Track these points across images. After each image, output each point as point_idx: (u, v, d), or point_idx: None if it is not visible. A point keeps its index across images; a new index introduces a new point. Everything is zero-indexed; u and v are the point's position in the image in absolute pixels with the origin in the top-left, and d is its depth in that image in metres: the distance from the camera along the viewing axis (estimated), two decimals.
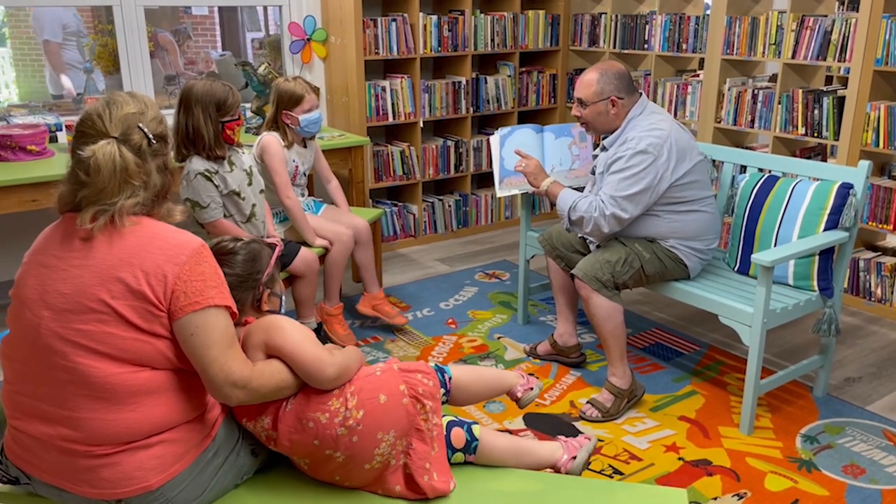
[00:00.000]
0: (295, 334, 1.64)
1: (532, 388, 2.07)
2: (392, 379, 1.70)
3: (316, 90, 3.11)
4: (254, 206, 2.78)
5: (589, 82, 2.69)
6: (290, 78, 3.11)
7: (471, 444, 1.80)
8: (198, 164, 2.60)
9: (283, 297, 1.87)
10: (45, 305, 1.48)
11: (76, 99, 4.92)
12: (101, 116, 1.51)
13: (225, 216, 2.70)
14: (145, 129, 1.53)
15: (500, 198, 3.17)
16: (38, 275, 1.51)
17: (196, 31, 7.52)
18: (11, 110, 3.92)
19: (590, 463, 2.35)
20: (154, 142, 1.54)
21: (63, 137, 3.49)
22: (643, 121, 2.64)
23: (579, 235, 2.95)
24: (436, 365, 1.88)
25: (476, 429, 1.82)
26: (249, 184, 2.76)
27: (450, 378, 1.88)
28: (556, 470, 1.93)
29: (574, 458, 1.94)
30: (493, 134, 3.14)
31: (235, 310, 1.56)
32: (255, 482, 1.72)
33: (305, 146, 3.21)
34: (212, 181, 2.62)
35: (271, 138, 3.03)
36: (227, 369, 1.49)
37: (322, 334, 3.16)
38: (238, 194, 2.70)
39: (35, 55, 7.42)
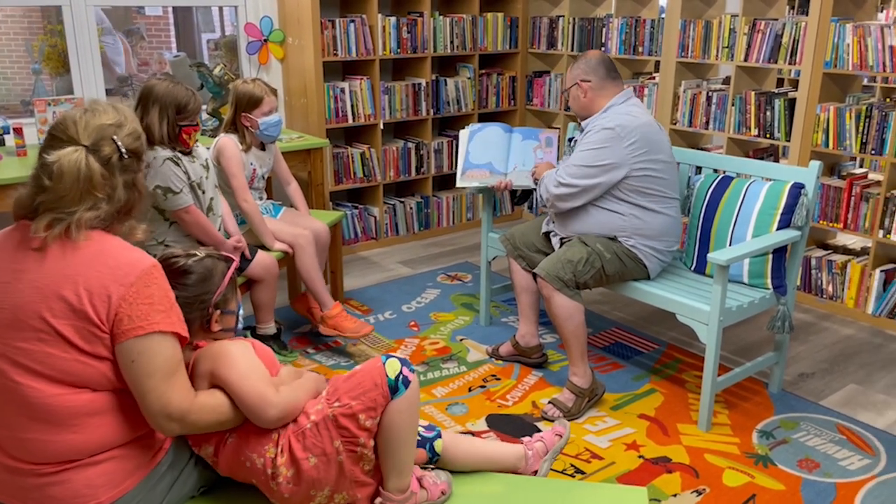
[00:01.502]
0: (241, 367, 1.56)
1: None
2: (325, 435, 1.57)
3: (274, 92, 3.07)
4: (212, 199, 2.75)
5: (569, 70, 2.83)
6: (248, 80, 3.06)
7: (432, 459, 1.80)
8: (162, 150, 2.54)
9: (241, 314, 1.78)
10: None
11: (24, 101, 4.78)
12: (75, 123, 1.45)
13: None
14: (119, 142, 1.46)
15: (459, 188, 3.20)
16: None
17: (150, 32, 7.37)
18: None
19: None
20: (126, 156, 1.47)
21: (11, 140, 3.39)
22: (622, 108, 2.71)
23: (542, 232, 2.97)
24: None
25: (438, 445, 1.80)
26: (206, 178, 2.72)
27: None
28: (520, 473, 1.93)
29: (535, 472, 1.95)
30: (454, 135, 3.15)
31: (186, 334, 1.48)
32: (210, 496, 1.68)
33: (264, 149, 3.16)
34: (179, 166, 2.57)
35: (228, 141, 2.98)
36: (165, 401, 1.42)
37: (281, 340, 3.12)
38: (199, 186, 2.66)
39: None
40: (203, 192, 2.69)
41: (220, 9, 6.99)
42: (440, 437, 1.81)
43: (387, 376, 1.59)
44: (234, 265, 1.74)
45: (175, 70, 6.47)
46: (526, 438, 2.02)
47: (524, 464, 1.93)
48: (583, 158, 2.66)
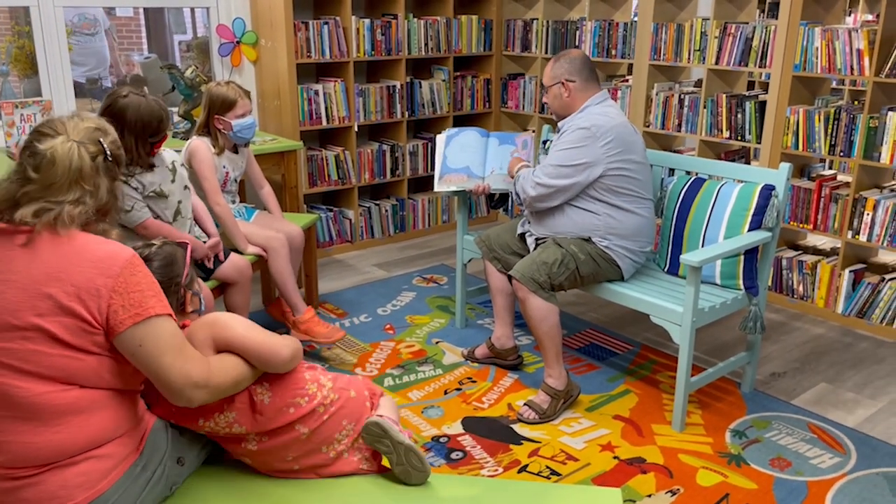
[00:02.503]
0: (239, 325, 1.65)
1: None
2: (357, 381, 1.83)
3: (247, 94, 3.04)
4: (179, 202, 2.70)
5: (547, 69, 2.82)
6: (222, 82, 3.03)
7: None
8: None
9: (202, 295, 1.85)
10: None
11: None
12: (64, 123, 1.51)
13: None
14: (105, 145, 1.52)
15: (437, 192, 3.21)
16: None
17: (121, 34, 7.26)
18: None
19: (526, 465, 2.36)
20: (110, 159, 1.53)
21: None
22: (598, 109, 2.73)
23: (517, 233, 2.98)
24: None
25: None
26: (173, 181, 2.68)
27: None
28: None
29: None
30: (430, 137, 3.15)
31: (175, 317, 1.53)
32: (186, 492, 1.67)
33: (237, 152, 3.13)
34: (129, 184, 2.53)
35: (200, 143, 2.95)
36: (186, 372, 1.47)
37: None
38: (160, 194, 2.62)
39: None
40: (167, 198, 2.65)
41: (192, 10, 6.92)
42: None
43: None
44: (190, 248, 1.82)
45: (146, 72, 6.39)
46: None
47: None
48: (559, 158, 2.68)
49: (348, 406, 1.75)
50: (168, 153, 2.72)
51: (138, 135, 2.48)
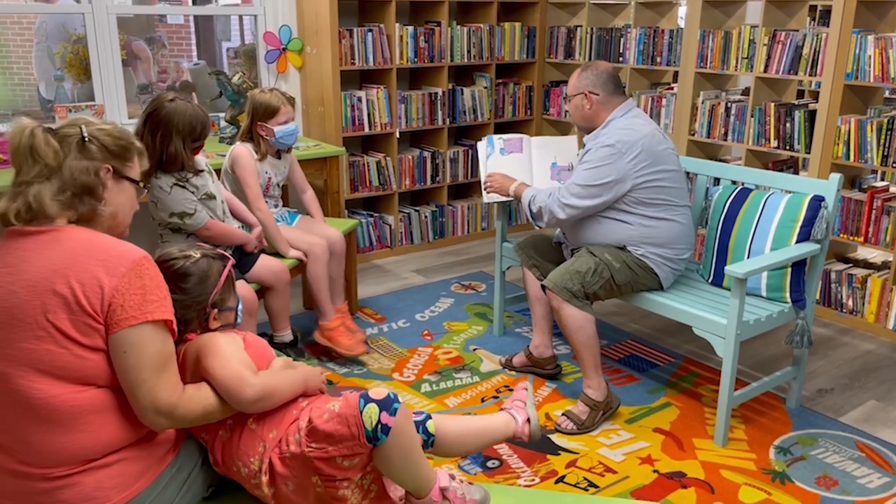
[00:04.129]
0: (223, 353, 1.56)
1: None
2: (302, 469, 1.54)
3: (291, 100, 3.08)
4: (223, 202, 2.79)
5: (572, 78, 2.78)
6: (266, 89, 3.08)
7: (427, 441, 1.72)
8: (165, 178, 2.57)
9: (240, 308, 1.79)
10: None
11: (46, 108, 4.84)
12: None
13: None
14: (84, 129, 1.51)
15: (487, 202, 3.20)
16: None
17: (171, 41, 7.44)
18: None
19: (564, 476, 2.34)
20: (87, 140, 1.51)
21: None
22: (622, 121, 2.68)
23: (554, 242, 2.96)
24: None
25: (431, 424, 1.73)
26: (213, 182, 2.76)
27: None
28: (520, 438, 1.86)
29: (528, 420, 1.88)
30: (470, 144, 3.14)
31: (174, 326, 1.49)
32: (223, 493, 1.68)
33: (279, 157, 3.17)
34: (186, 188, 2.60)
35: (243, 149, 3.00)
36: (154, 395, 1.43)
37: (298, 347, 3.12)
38: (210, 196, 2.69)
39: (6, 63, 7.31)
40: (215, 199, 2.72)
41: (241, 18, 7.05)
42: (430, 418, 1.75)
43: (364, 428, 1.50)
44: (230, 263, 1.75)
45: (194, 78, 6.53)
46: (505, 405, 1.96)
47: (515, 424, 1.86)
48: (585, 178, 2.63)
49: (284, 500, 1.57)
50: (200, 158, 2.78)
51: (185, 138, 2.55)
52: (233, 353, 1.57)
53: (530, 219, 2.83)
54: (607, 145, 2.60)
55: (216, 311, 1.69)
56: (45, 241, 1.44)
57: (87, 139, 1.51)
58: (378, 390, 1.56)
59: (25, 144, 1.47)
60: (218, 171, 3.02)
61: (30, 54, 6.88)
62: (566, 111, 2.86)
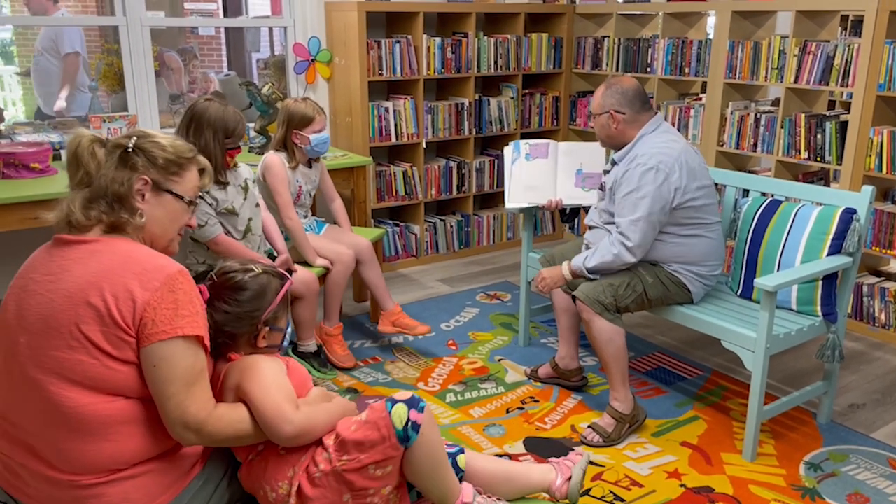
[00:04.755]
0: (265, 381, 1.55)
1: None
2: (334, 486, 1.55)
3: (322, 111, 3.13)
4: (249, 220, 2.79)
5: (597, 95, 2.74)
6: (299, 99, 3.12)
7: (457, 476, 1.73)
8: None
9: (289, 331, 1.77)
10: (22, 331, 1.44)
11: (82, 118, 4.94)
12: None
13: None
14: (133, 140, 1.55)
15: (509, 209, 3.20)
16: (18, 298, 1.48)
17: (202, 52, 7.57)
18: (16, 128, 3.93)
19: (589, 489, 2.32)
20: (131, 150, 1.54)
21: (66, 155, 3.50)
22: (654, 138, 2.64)
23: None
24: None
25: (462, 459, 1.75)
26: (245, 198, 2.77)
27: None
28: (552, 496, 1.88)
29: (569, 479, 1.88)
30: (496, 154, 3.15)
31: (207, 342, 1.50)
32: None
33: (310, 166, 3.21)
34: (204, 198, 2.63)
35: (275, 158, 3.04)
36: (183, 408, 1.43)
37: (322, 357, 3.14)
38: (232, 211, 2.71)
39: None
40: (238, 216, 2.74)
41: (270, 29, 7.15)
42: (462, 452, 1.77)
43: (394, 427, 1.52)
44: (288, 283, 1.73)
45: (224, 89, 6.62)
46: (552, 459, 1.96)
47: (554, 478, 1.86)
48: (639, 209, 2.54)
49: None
50: (245, 169, 2.82)
51: (216, 132, 2.58)
52: (274, 381, 1.56)
53: (589, 277, 2.68)
54: (650, 168, 2.54)
55: (267, 329, 1.68)
56: (86, 252, 1.47)
57: (131, 150, 1.53)
58: (402, 393, 1.57)
59: (72, 153, 1.52)
60: None
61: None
62: (591, 128, 2.82)
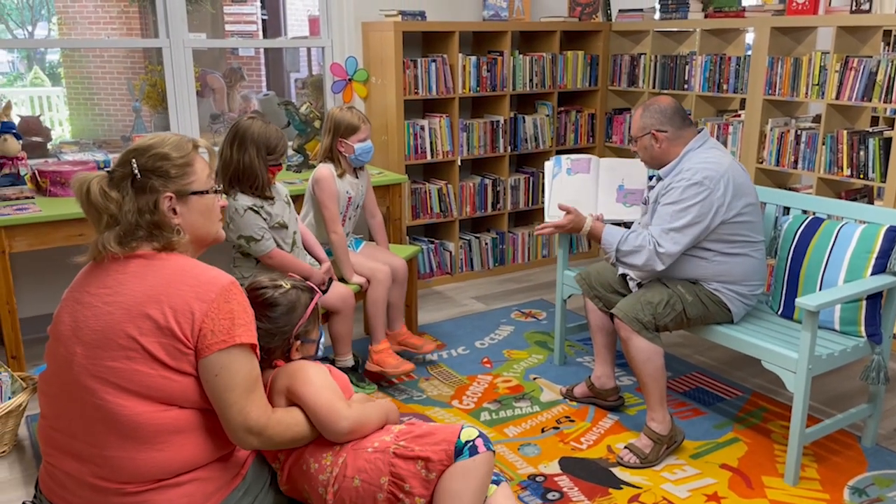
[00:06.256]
0: (316, 382, 1.64)
1: None
2: (378, 465, 1.60)
3: (367, 120, 3.17)
4: (295, 233, 2.86)
5: (635, 119, 2.72)
6: (344, 107, 3.17)
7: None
8: (244, 199, 2.67)
9: (321, 341, 1.83)
10: (78, 341, 1.49)
11: (125, 137, 5.08)
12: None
13: None
14: (135, 164, 1.53)
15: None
16: (72, 311, 1.53)
17: None
18: (63, 147, 4.05)
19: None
20: (139, 176, 1.52)
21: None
22: (701, 154, 2.61)
23: (619, 274, 2.91)
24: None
25: (491, 489, 1.68)
26: (289, 212, 2.85)
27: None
28: None
29: None
30: (532, 172, 3.15)
31: (258, 350, 1.56)
32: None
33: (357, 176, 3.25)
34: (260, 214, 2.69)
35: (325, 171, 3.07)
36: (245, 414, 1.49)
37: (360, 372, 3.15)
38: (283, 225, 2.77)
39: (88, 94, 7.72)
40: (287, 229, 2.80)
41: (309, 50, 7.28)
42: (498, 483, 1.70)
43: (458, 438, 1.59)
44: (317, 297, 1.79)
45: (263, 108, 6.75)
46: None
47: None
48: (678, 220, 2.53)
49: (346, 496, 1.60)
50: (281, 187, 2.88)
51: (259, 148, 2.65)
52: (324, 383, 1.64)
53: (614, 259, 2.68)
54: (694, 182, 2.52)
55: (299, 342, 1.74)
56: (142, 265, 1.52)
57: (138, 175, 1.53)
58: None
59: (85, 202, 1.54)
60: (294, 198, 3.11)
61: (111, 86, 7.25)
62: (634, 152, 2.79)
